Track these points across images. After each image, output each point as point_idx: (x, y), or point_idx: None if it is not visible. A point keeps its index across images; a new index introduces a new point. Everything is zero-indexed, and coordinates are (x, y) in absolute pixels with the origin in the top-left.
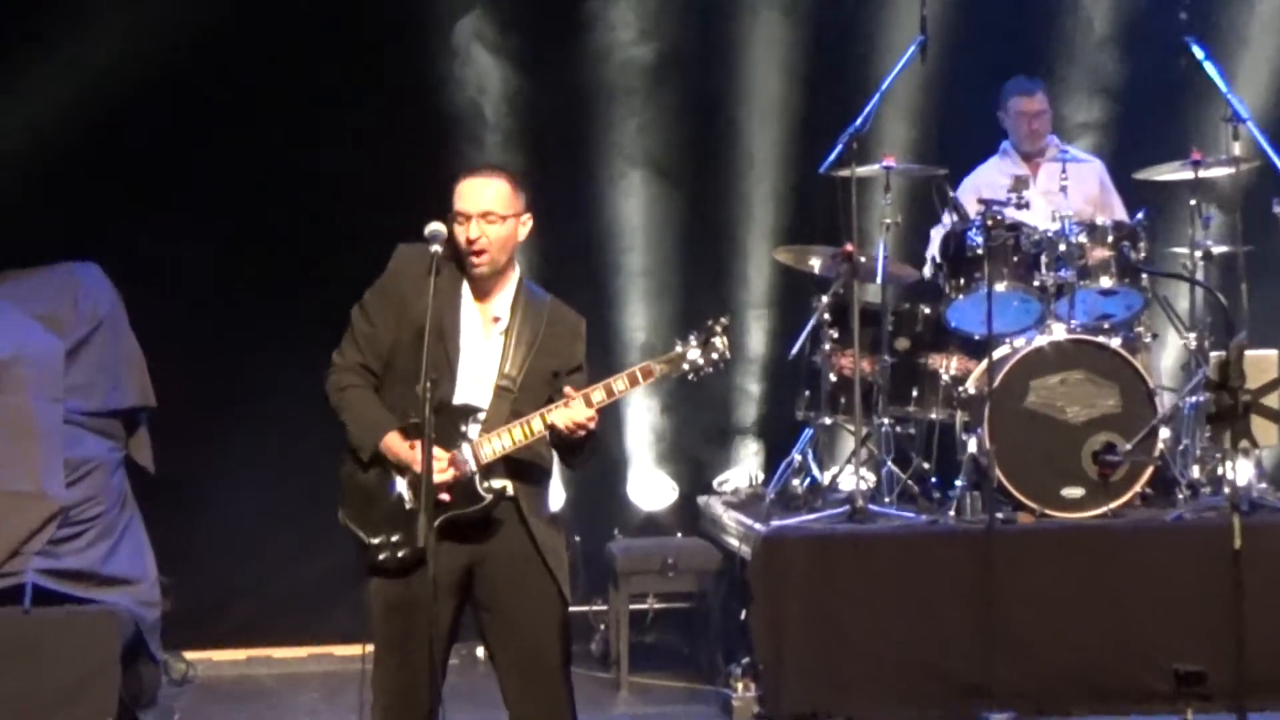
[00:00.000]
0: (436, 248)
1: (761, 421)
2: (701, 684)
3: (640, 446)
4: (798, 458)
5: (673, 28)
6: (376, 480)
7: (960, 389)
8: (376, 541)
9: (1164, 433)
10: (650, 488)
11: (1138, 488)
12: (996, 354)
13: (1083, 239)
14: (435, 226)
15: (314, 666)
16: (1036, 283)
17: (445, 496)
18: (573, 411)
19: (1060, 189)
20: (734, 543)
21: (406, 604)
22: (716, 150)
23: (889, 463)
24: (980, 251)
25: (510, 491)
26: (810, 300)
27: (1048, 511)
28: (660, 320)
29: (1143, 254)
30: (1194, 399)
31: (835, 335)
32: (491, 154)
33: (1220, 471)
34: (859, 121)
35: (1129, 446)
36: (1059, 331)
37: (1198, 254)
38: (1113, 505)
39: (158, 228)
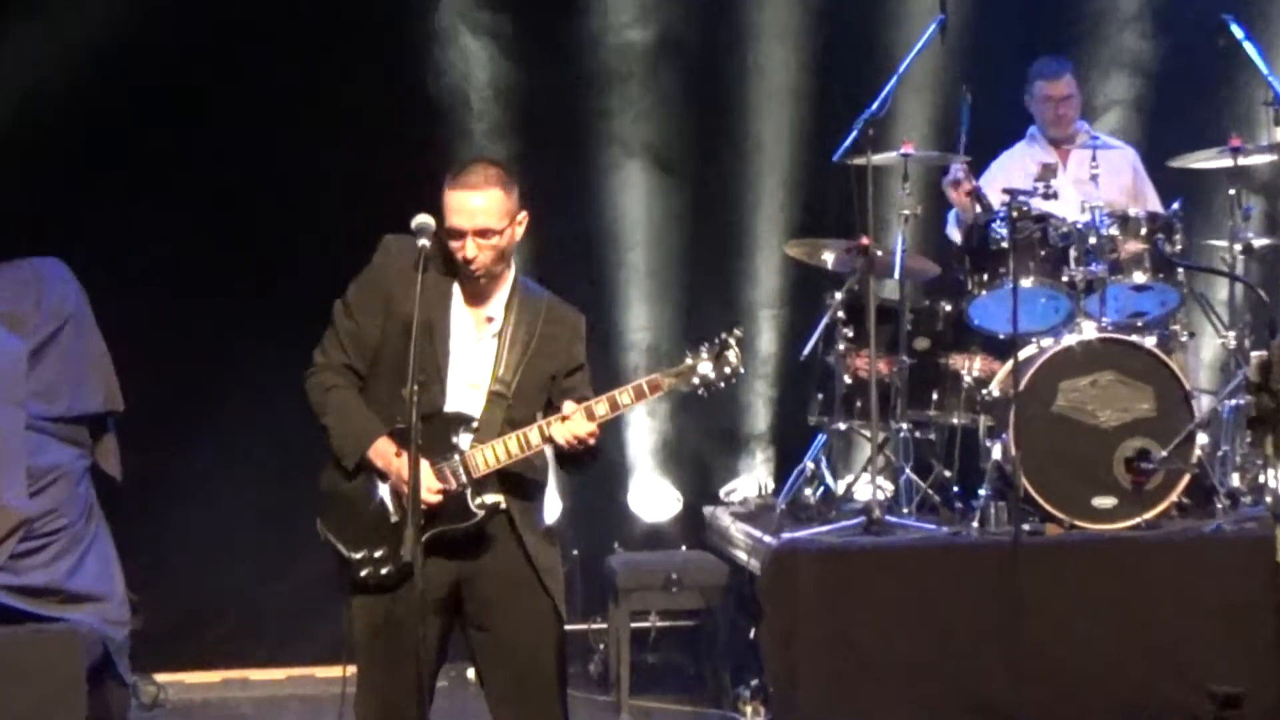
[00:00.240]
0: (424, 241)
1: (771, 427)
2: (708, 707)
3: (642, 453)
4: (810, 465)
5: (672, 8)
6: (360, 490)
7: (984, 392)
8: (358, 556)
9: (1201, 438)
10: (653, 497)
11: (1174, 497)
12: (1022, 354)
13: (1114, 231)
14: (423, 219)
15: (293, 689)
16: (1065, 278)
17: (433, 507)
18: (573, 425)
19: (1091, 178)
20: (742, 556)
21: (391, 623)
22: (721, 138)
23: (908, 470)
24: (1005, 245)
25: (503, 505)
26: (823, 297)
27: (1077, 523)
28: (663, 320)
29: (1178, 247)
30: (1233, 402)
31: (850, 334)
32: (479, 145)
33: (1261, 479)
34: (875, 106)
35: (1164, 453)
36: (1089, 330)
37: (1237, 247)
38: (1147, 516)
39: (123, 221)
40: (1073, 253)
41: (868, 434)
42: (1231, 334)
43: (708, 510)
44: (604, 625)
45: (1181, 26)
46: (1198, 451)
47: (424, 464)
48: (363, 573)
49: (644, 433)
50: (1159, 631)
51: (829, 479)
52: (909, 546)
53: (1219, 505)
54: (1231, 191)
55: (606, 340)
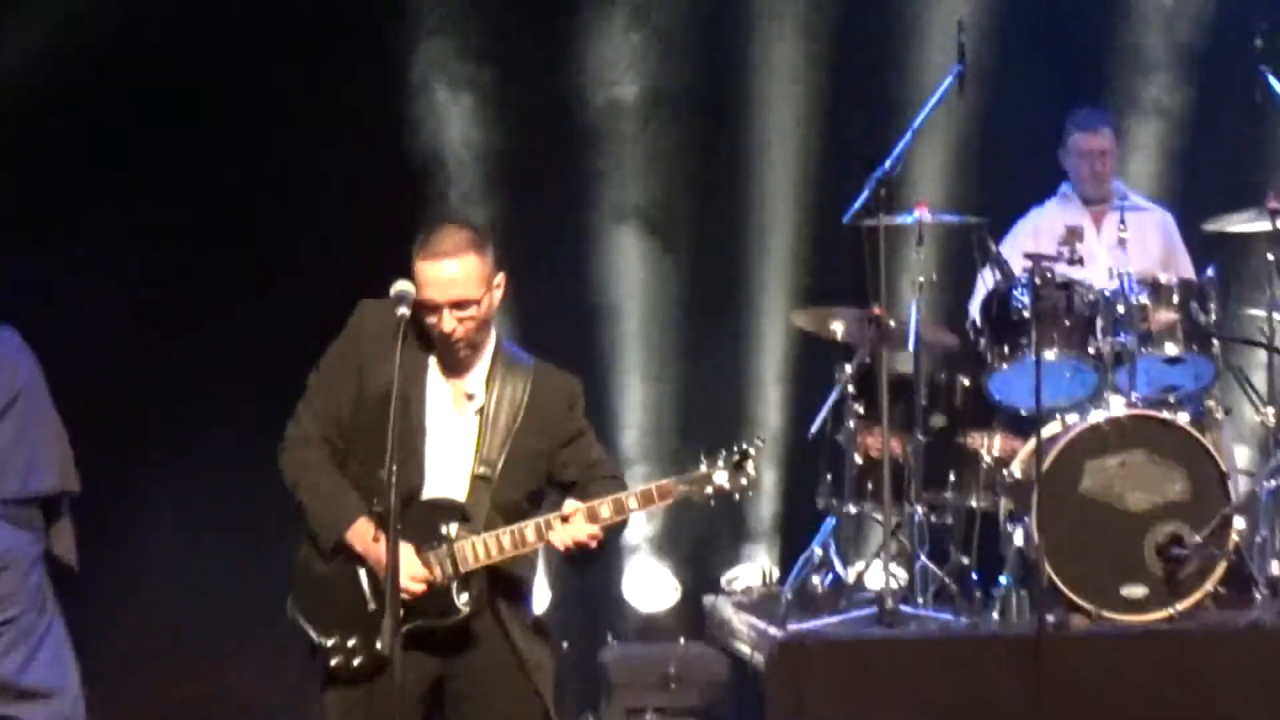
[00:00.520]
0: (404, 310)
1: (777, 510)
2: None
3: (637, 537)
4: (818, 551)
5: (664, 60)
6: (337, 573)
7: (1005, 472)
8: (330, 643)
9: (1238, 523)
10: (649, 585)
11: (1209, 586)
12: (1046, 432)
13: (1145, 299)
14: (403, 286)
15: None
16: (1092, 350)
17: (415, 597)
18: (573, 529)
19: (1119, 242)
20: (745, 649)
21: (365, 717)
22: (720, 200)
23: (923, 557)
24: (1027, 314)
25: (490, 601)
26: (832, 370)
27: (1105, 613)
28: (662, 397)
29: (1214, 316)
30: (1273, 483)
31: (861, 410)
32: (454, 208)
33: None
34: (888, 163)
35: (1198, 539)
36: (1118, 406)
37: (1277, 316)
38: (1180, 606)
39: (70, 278)
40: (1100, 322)
41: (880, 518)
42: (1271, 410)
43: (708, 600)
44: None
45: (1215, 77)
46: (1235, 537)
47: (409, 549)
48: (333, 661)
49: (640, 516)
50: None
51: (838, 566)
52: (925, 639)
53: (1258, 595)
54: (1270, 256)
55: (601, 420)
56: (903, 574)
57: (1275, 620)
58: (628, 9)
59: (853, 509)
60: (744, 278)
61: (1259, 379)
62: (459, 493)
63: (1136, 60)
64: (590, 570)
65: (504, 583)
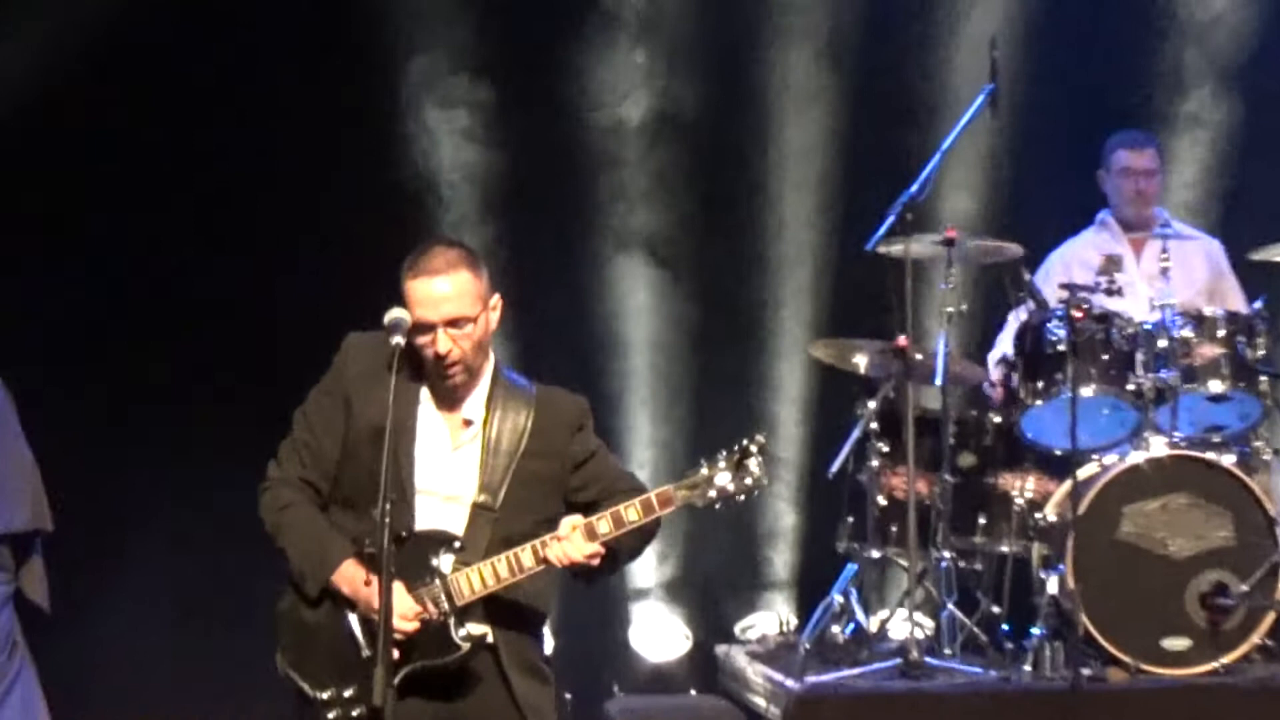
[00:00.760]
0: (399, 339)
1: (794, 554)
2: None
3: (645, 582)
4: (839, 599)
5: (669, 78)
6: (325, 620)
7: (1038, 516)
8: (325, 696)
9: None
10: (657, 634)
11: (1256, 638)
12: (1082, 473)
13: (1188, 333)
14: (397, 314)
15: None
16: (1131, 386)
17: (411, 637)
18: (570, 547)
19: (1161, 272)
20: (761, 703)
21: None
22: (732, 225)
23: (950, 606)
24: (1062, 348)
25: (490, 639)
26: (854, 406)
27: (1145, 667)
28: (672, 437)
29: (1261, 351)
30: None
31: (885, 449)
32: (449, 234)
33: None
34: (915, 187)
35: (1245, 588)
36: (1158, 446)
37: None
38: (1224, 660)
39: (37, 301)
40: (1140, 357)
41: (905, 563)
42: None
43: (721, 649)
44: None
45: (1260, 94)
46: None
47: (399, 588)
48: (331, 714)
49: (648, 558)
50: None
51: (860, 615)
52: (952, 693)
53: None
54: None
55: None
56: (929, 623)
57: None
58: (633, 24)
59: (875, 554)
60: (759, 308)
61: None
62: (457, 525)
63: (1176, 77)
64: (603, 580)
65: (507, 618)
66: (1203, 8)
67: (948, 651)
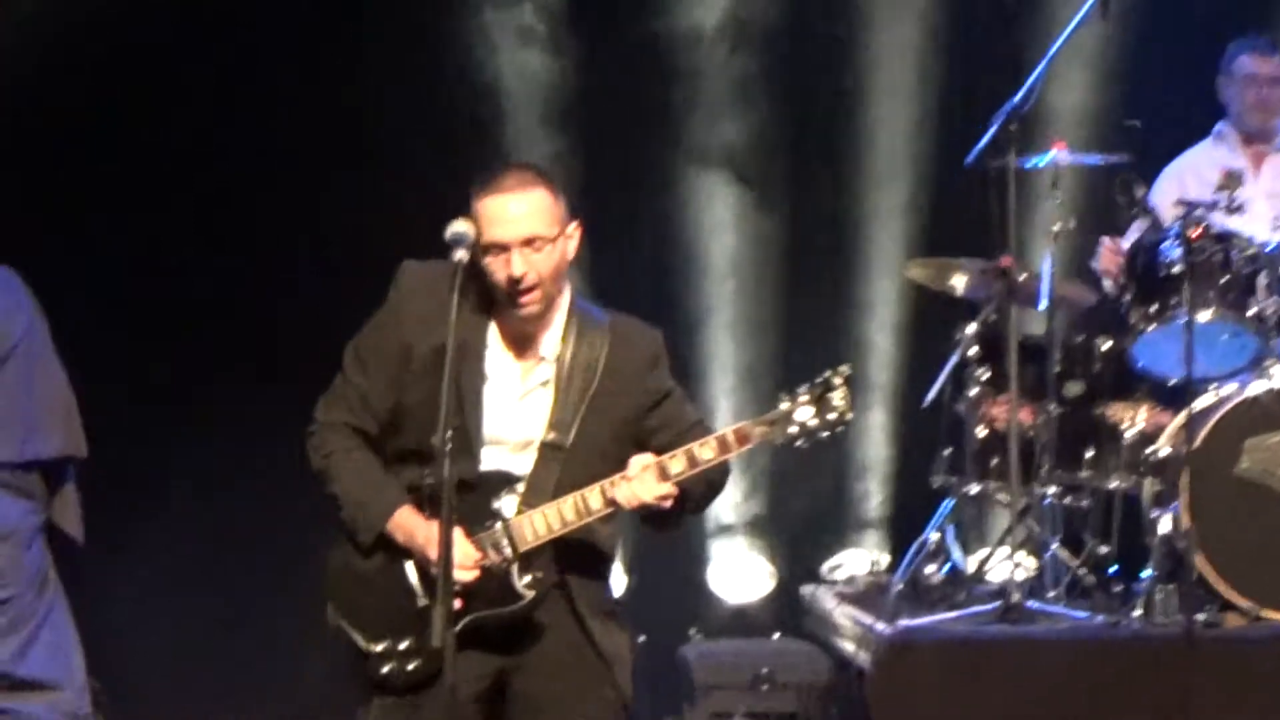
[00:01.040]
0: (462, 254)
1: (886, 489)
2: None
3: (726, 518)
4: (934, 537)
5: None
6: (380, 568)
7: (1150, 450)
8: (380, 649)
9: None
10: (738, 574)
11: None
12: (1198, 404)
13: None
14: (460, 226)
15: None
16: (1252, 311)
17: (470, 586)
18: (640, 487)
19: None
20: (849, 647)
21: None
22: (819, 138)
23: (1054, 545)
24: (1178, 270)
25: (558, 583)
26: (952, 331)
27: (1264, 613)
28: (757, 365)
29: None
30: None
31: (985, 377)
32: (509, 153)
33: None
34: (1019, 97)
35: None
36: None
37: None
38: None
39: (80, 226)
40: (1262, 280)
41: (1005, 499)
42: None
43: (806, 590)
44: None
45: None
46: None
47: (458, 534)
48: (385, 669)
49: (728, 494)
50: None
51: (957, 554)
52: (1055, 639)
53: None
54: None
55: (689, 391)
56: (1031, 564)
57: None
58: None
59: (974, 489)
60: (850, 226)
61: None
62: (522, 467)
63: None
64: (675, 528)
65: (577, 560)
66: None
67: (1051, 595)
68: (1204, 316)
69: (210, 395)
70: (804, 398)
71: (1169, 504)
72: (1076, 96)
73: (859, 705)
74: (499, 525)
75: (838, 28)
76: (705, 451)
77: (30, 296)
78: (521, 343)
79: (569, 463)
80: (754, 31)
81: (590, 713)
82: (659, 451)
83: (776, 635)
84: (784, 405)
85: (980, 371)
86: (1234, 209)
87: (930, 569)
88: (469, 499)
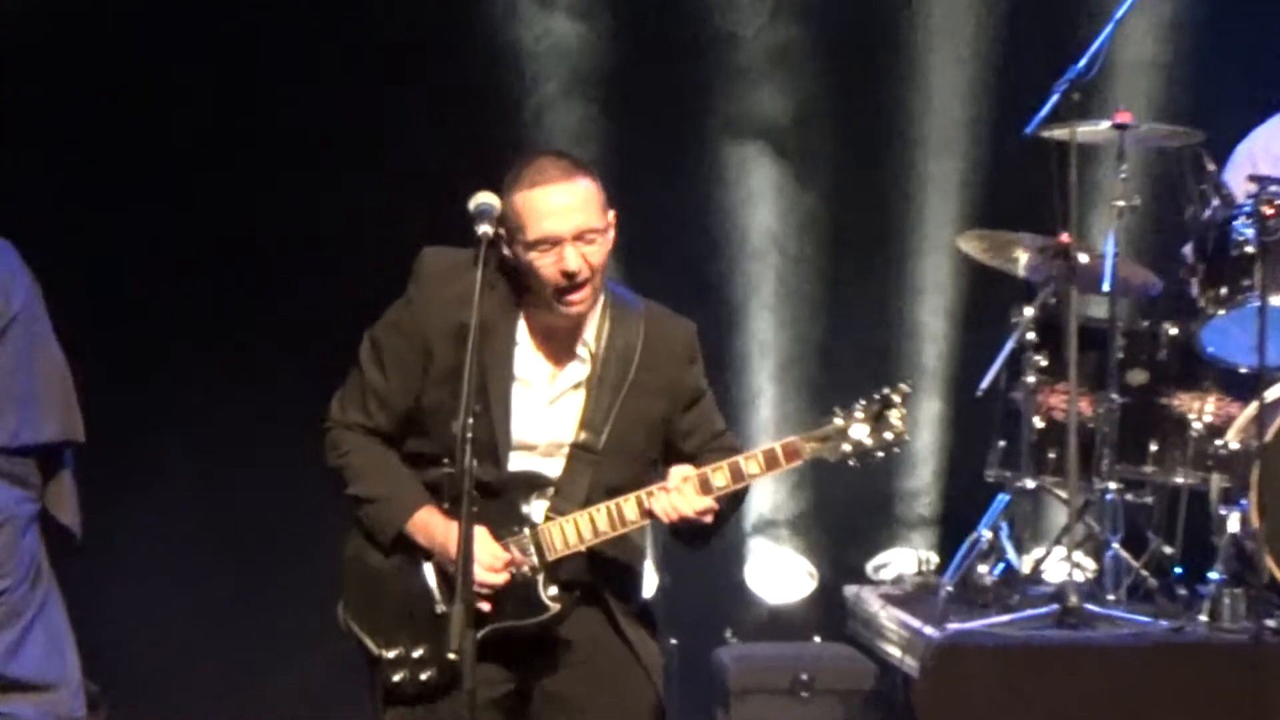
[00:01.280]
0: (486, 228)
1: (936, 483)
2: None
3: (765, 514)
4: (987, 535)
5: None
6: (396, 569)
7: (1218, 443)
8: (392, 655)
9: None
10: (778, 573)
11: None
12: (1270, 394)
13: None
14: (485, 199)
15: None
16: None
17: (495, 592)
18: (679, 500)
19: None
20: (895, 652)
21: None
22: (867, 105)
23: (1115, 545)
24: (1251, 250)
25: (587, 593)
26: (1008, 313)
27: None
28: (798, 347)
29: None
30: None
31: (1043, 363)
32: (530, 128)
33: None
34: (1083, 63)
35: None
36: None
37: None
38: None
39: (84, 195)
40: None
41: (1063, 495)
42: None
43: (850, 591)
44: None
45: None
46: None
47: (483, 535)
48: (397, 676)
49: (768, 489)
50: None
51: (1011, 553)
52: (1115, 645)
53: None
54: None
55: (728, 377)
56: (1090, 565)
57: None
58: None
59: (1030, 484)
60: (898, 201)
61: None
62: (552, 469)
63: None
64: (703, 546)
65: (609, 562)
66: None
67: (1111, 597)
68: (1277, 300)
69: (212, 384)
70: (859, 414)
71: (1237, 501)
72: (1144, 64)
73: (905, 714)
74: (526, 532)
75: None
76: (751, 466)
77: (28, 272)
78: (554, 340)
79: (601, 466)
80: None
81: (628, 715)
82: (681, 458)
83: (817, 638)
84: (838, 421)
85: (1038, 358)
86: None
87: (982, 569)
88: (495, 503)
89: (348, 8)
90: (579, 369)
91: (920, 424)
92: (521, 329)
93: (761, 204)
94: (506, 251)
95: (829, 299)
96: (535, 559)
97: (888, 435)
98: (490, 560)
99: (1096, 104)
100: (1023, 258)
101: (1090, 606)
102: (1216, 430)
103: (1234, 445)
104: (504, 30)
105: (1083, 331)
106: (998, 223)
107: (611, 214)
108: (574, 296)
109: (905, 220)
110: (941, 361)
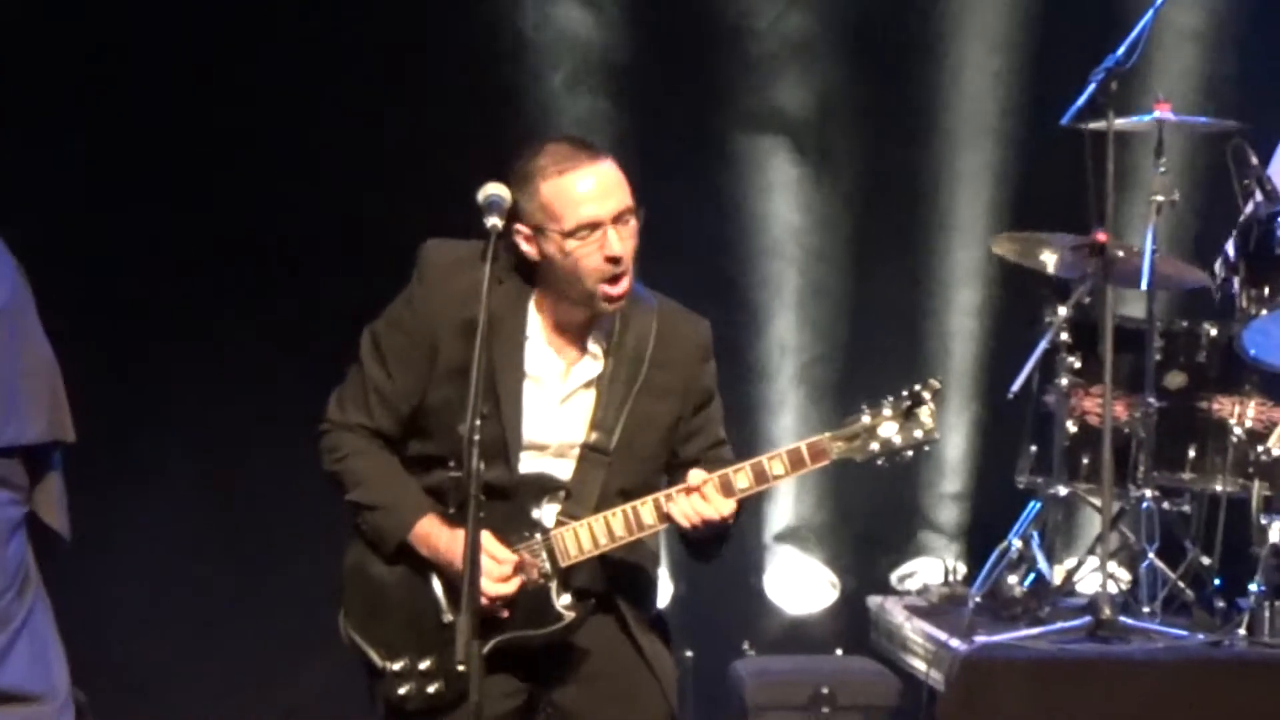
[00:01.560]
0: (495, 221)
1: (964, 489)
2: None
3: (784, 522)
4: (1017, 544)
5: None
6: (401, 579)
7: (1260, 449)
8: (397, 668)
9: None
10: (798, 582)
11: None
12: None
13: None
14: (494, 190)
15: None
16: None
17: (505, 602)
18: (701, 503)
19: None
20: (920, 666)
21: None
22: (892, 95)
23: (1151, 555)
24: None
25: (602, 601)
26: (1041, 313)
27: None
28: (820, 348)
29: None
30: None
31: (1077, 365)
32: (536, 121)
33: None
34: (1121, 52)
35: None
36: None
37: None
38: None
39: (83, 194)
40: None
41: (1097, 503)
42: None
43: (874, 602)
44: None
45: None
46: None
47: (489, 539)
48: (403, 690)
49: (787, 493)
50: None
51: (1042, 563)
52: (1151, 660)
53: None
54: None
55: (748, 380)
56: (1125, 575)
57: None
58: None
59: (1062, 491)
60: (926, 196)
61: None
62: (563, 470)
63: None
64: (714, 556)
65: (623, 569)
66: None
67: (1146, 610)
68: None
69: (212, 384)
70: (888, 412)
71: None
72: (1185, 53)
73: None
74: (538, 538)
75: None
76: (775, 466)
77: (15, 264)
78: (565, 334)
79: (613, 468)
80: None
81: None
82: (681, 464)
83: (839, 651)
84: (865, 419)
85: (1071, 359)
86: None
87: (1012, 579)
88: (504, 506)
89: (349, 2)
90: (591, 366)
91: (949, 428)
92: (533, 323)
93: (781, 200)
94: (528, 249)
95: (853, 298)
96: (548, 565)
97: (918, 434)
98: (499, 571)
99: (1135, 94)
100: (1055, 258)
101: (1124, 619)
102: (1258, 436)
103: (1276, 451)
104: (507, 19)
105: (1118, 332)
106: (1031, 219)
107: None
108: (614, 290)
109: (933, 216)
110: (971, 363)
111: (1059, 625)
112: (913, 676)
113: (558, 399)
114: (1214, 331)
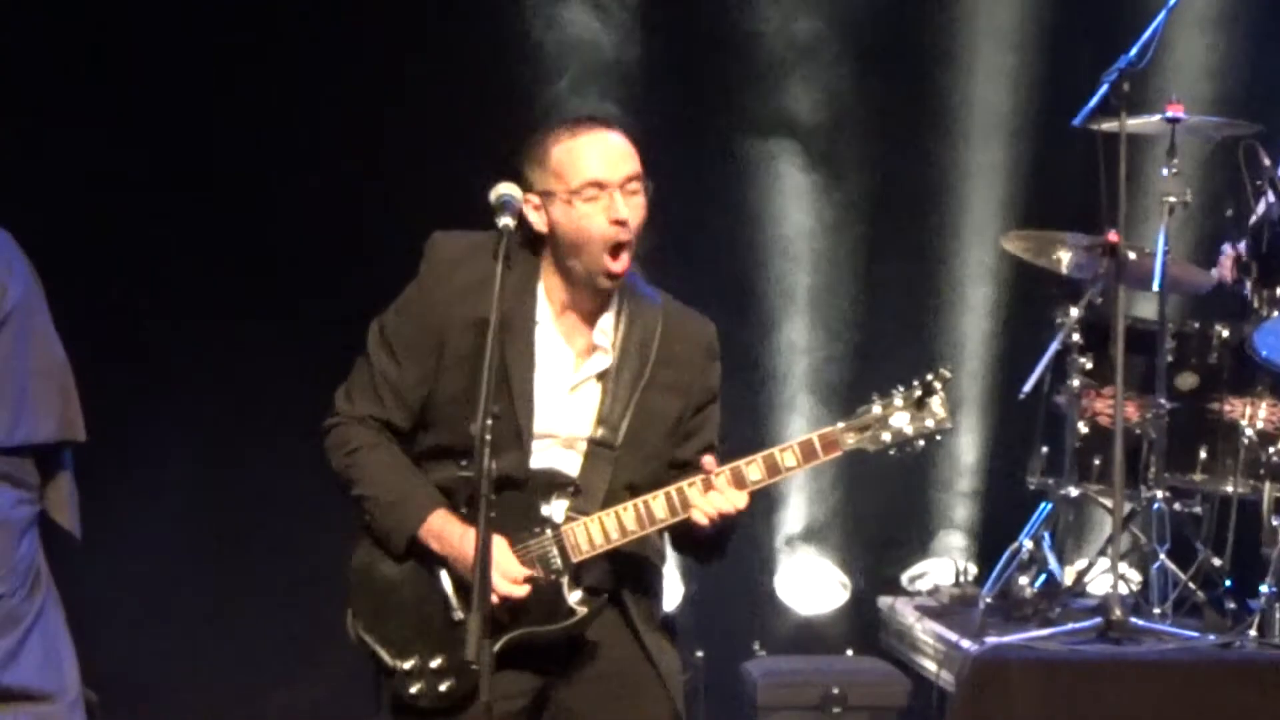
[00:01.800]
0: (508, 221)
1: (975, 490)
2: None
3: (794, 522)
4: (1028, 545)
5: None
6: (410, 576)
7: (1272, 450)
8: (407, 666)
9: None
10: (809, 583)
11: None
12: None
13: None
14: (506, 190)
15: None
16: None
17: (516, 601)
18: (715, 495)
19: None
20: (930, 666)
21: None
22: (902, 95)
23: (1162, 556)
24: None
25: (612, 598)
26: (1052, 314)
27: None
28: (832, 348)
29: None
30: None
31: (1088, 366)
32: (542, 120)
33: None
34: (1133, 52)
35: None
36: None
37: None
38: None
39: (84, 193)
40: None
41: (1108, 504)
42: None
43: (884, 602)
44: None
45: None
46: None
47: (501, 544)
48: (413, 689)
49: (799, 494)
50: None
51: (1053, 564)
52: (1161, 661)
53: None
54: None
55: (759, 380)
56: (1136, 577)
57: None
58: None
59: (1073, 492)
60: (937, 196)
61: None
62: (570, 465)
63: None
64: (713, 559)
65: (632, 567)
66: None
67: (1157, 611)
68: None
69: (206, 381)
70: (899, 401)
71: None
72: (1198, 53)
73: None
74: (548, 533)
75: None
76: (787, 458)
77: (27, 263)
78: (574, 325)
79: (620, 463)
80: None
81: None
82: (678, 465)
83: (849, 652)
84: (876, 409)
85: (1083, 360)
86: None
87: (1023, 580)
88: (515, 499)
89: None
90: (600, 360)
91: (960, 429)
92: (542, 308)
93: (791, 202)
94: (536, 218)
95: (864, 299)
96: (559, 561)
97: (929, 423)
98: (509, 570)
99: (1147, 95)
100: (1067, 257)
101: (1135, 620)
102: (1269, 437)
103: None
104: (514, 21)
105: (1130, 333)
106: (1042, 219)
107: None
108: (617, 263)
109: (944, 217)
110: (982, 364)
111: (1070, 626)
112: (923, 677)
113: (567, 387)
114: (1225, 333)
